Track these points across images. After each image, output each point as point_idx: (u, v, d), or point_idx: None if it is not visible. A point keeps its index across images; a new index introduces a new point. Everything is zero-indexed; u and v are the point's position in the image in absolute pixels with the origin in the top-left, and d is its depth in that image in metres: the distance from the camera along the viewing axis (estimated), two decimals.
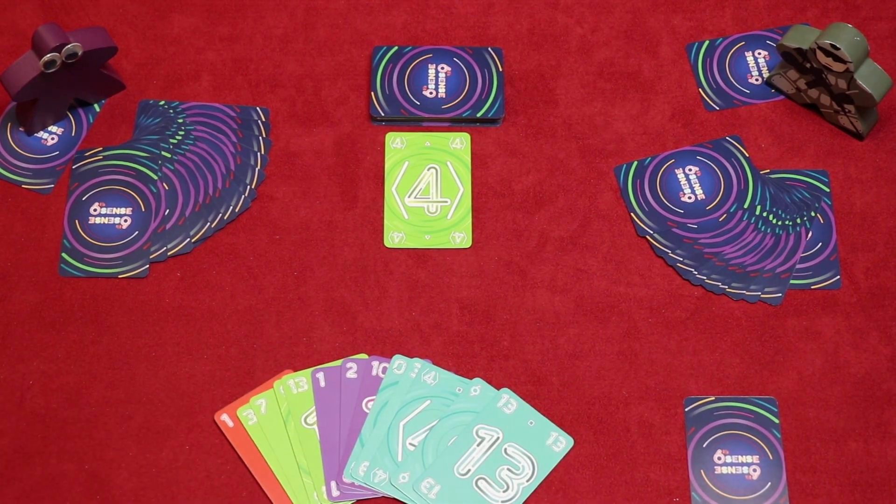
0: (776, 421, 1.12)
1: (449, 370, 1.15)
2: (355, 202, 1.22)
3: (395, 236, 1.21)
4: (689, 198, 1.22)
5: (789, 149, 1.25)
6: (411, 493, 1.09)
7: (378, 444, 1.11)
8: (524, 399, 1.13)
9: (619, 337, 1.16)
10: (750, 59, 1.29)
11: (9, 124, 1.25)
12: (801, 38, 1.21)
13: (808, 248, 1.20)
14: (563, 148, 1.25)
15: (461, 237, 1.21)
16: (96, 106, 1.27)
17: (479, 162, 1.24)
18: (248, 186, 1.23)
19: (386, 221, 1.21)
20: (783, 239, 1.20)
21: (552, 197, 1.23)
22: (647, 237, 1.21)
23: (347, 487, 1.10)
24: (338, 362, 1.14)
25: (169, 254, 1.19)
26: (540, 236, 1.21)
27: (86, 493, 1.10)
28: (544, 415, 1.13)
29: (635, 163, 1.24)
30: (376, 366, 1.14)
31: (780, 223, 1.21)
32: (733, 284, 1.18)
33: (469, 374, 1.15)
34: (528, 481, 1.10)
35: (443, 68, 1.28)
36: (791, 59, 1.23)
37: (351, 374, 1.13)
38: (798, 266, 1.19)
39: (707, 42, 1.30)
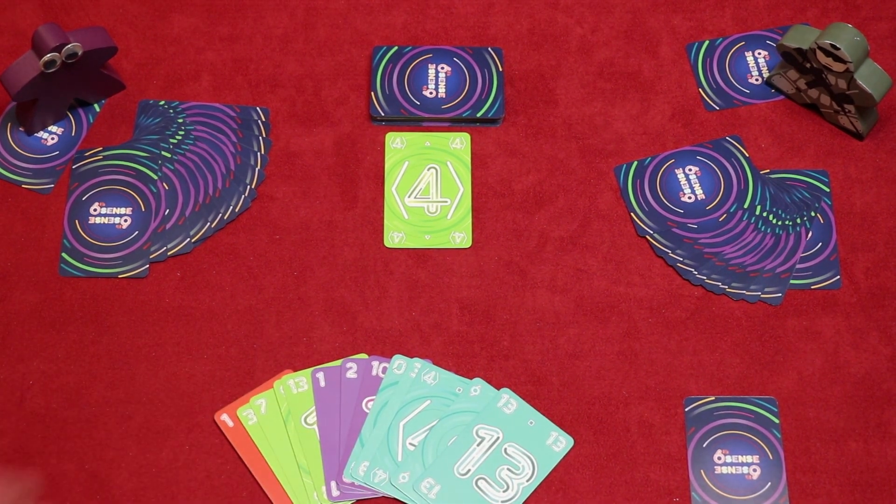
0: (776, 421, 1.12)
1: (449, 370, 1.14)
2: (355, 202, 1.22)
3: (395, 236, 1.21)
4: (689, 198, 1.22)
5: (789, 149, 1.25)
6: (411, 493, 1.09)
7: (378, 444, 1.10)
8: (524, 399, 1.13)
9: (619, 337, 1.16)
10: (750, 59, 1.29)
11: (9, 124, 1.25)
12: (801, 38, 1.21)
13: (808, 248, 1.20)
14: (563, 148, 1.25)
15: (461, 237, 1.21)
16: (96, 106, 1.27)
17: (479, 162, 1.24)
18: (248, 186, 1.23)
19: (386, 221, 1.21)
20: (783, 239, 1.20)
21: (552, 197, 1.23)
22: (647, 237, 1.21)
23: (347, 487, 1.10)
24: (338, 362, 1.14)
25: (169, 254, 1.19)
26: (540, 236, 1.21)
27: (86, 493, 1.10)
28: (544, 415, 1.13)
29: (635, 163, 1.24)
30: (376, 366, 1.14)
31: (780, 223, 1.21)
32: (733, 284, 1.18)
33: (469, 374, 1.15)
34: (528, 481, 1.10)
35: (443, 68, 1.28)
36: (791, 59, 1.23)
37: (351, 374, 1.13)
38: (798, 266, 1.19)
39: (707, 42, 1.30)
